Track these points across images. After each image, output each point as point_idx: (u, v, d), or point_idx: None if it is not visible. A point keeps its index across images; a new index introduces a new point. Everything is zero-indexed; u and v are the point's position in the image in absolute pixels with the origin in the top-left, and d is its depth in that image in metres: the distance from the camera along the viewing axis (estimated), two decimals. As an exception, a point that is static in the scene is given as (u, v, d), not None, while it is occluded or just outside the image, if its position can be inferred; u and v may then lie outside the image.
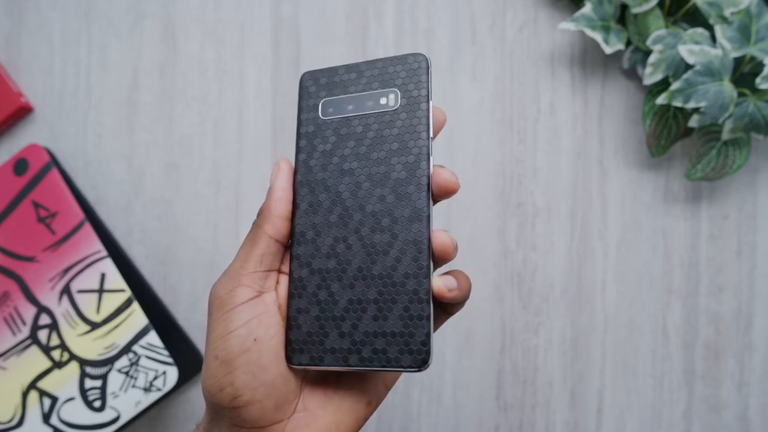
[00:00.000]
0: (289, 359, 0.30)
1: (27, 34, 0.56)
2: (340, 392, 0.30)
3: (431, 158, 0.30)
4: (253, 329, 0.28)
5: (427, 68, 0.31)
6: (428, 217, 0.30)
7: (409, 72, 0.32)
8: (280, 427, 0.29)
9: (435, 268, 0.30)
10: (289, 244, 0.32)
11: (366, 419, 0.31)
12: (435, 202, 0.31)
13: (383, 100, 0.31)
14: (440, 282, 0.29)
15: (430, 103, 0.31)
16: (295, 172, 0.32)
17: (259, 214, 0.31)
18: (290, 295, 0.31)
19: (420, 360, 0.28)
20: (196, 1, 0.55)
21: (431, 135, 0.31)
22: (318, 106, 0.32)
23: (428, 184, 0.30)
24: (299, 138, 0.32)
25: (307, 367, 0.30)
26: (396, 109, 0.31)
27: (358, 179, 0.31)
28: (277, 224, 0.30)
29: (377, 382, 0.31)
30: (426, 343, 0.28)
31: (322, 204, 0.31)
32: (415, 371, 0.29)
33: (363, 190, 0.31)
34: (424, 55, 0.32)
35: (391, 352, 0.29)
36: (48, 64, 0.56)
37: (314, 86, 0.33)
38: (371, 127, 0.32)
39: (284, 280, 0.31)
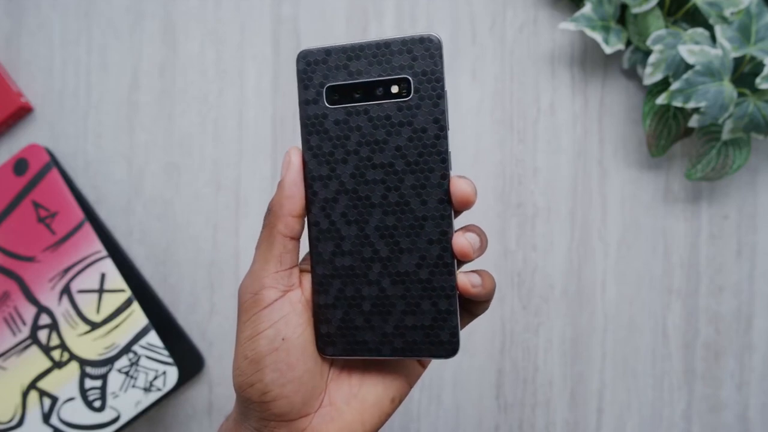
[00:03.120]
0: (321, 350, 0.31)
1: (27, 34, 0.56)
2: (365, 388, 0.31)
3: (450, 153, 0.29)
4: (280, 330, 0.29)
5: (441, 53, 0.29)
6: (450, 216, 0.29)
7: (422, 57, 0.29)
8: (307, 421, 0.30)
9: (459, 266, 0.31)
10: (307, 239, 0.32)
11: (389, 416, 0.32)
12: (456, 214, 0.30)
13: (394, 89, 0.29)
14: (464, 278, 0.30)
15: (446, 92, 0.29)
16: (305, 164, 0.30)
17: (269, 211, 0.30)
18: (315, 291, 0.31)
19: (450, 350, 0.30)
20: (196, 1, 0.55)
21: (449, 128, 0.29)
22: (322, 91, 0.30)
23: (448, 183, 0.29)
24: (304, 126, 0.30)
25: (340, 357, 0.31)
26: (409, 99, 0.29)
27: (374, 175, 0.30)
28: (290, 223, 0.30)
29: (401, 379, 0.32)
30: (455, 334, 0.30)
31: (338, 201, 0.30)
32: (444, 359, 0.31)
33: (379, 186, 0.30)
34: (438, 37, 0.29)
35: (422, 344, 0.30)
36: (48, 64, 0.56)
37: (315, 68, 0.30)
38: (383, 118, 0.29)
39: (307, 275, 0.32)
